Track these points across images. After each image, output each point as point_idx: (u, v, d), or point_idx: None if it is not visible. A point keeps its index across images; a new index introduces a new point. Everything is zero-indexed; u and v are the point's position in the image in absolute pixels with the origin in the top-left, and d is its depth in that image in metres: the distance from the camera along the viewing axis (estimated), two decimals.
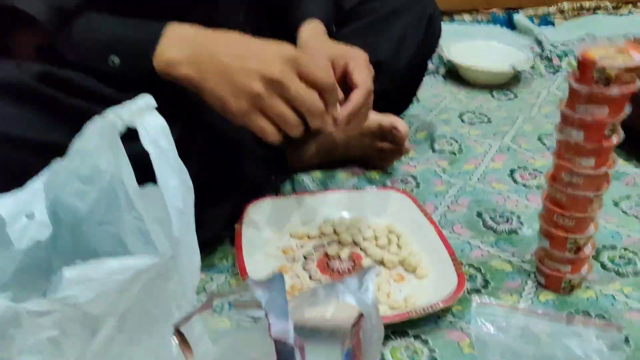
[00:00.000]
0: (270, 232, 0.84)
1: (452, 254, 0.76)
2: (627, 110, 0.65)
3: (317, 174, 0.98)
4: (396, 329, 0.69)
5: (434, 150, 1.07)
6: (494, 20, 1.67)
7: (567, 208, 0.71)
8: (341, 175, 0.99)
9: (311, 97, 0.62)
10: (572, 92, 0.66)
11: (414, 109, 1.21)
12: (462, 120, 1.18)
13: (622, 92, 0.62)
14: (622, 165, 1.00)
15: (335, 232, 0.84)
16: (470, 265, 0.80)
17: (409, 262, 0.78)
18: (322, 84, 0.63)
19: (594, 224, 0.73)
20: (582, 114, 0.65)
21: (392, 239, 0.82)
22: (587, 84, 0.64)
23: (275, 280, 0.49)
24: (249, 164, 0.82)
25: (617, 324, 0.64)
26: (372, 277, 0.49)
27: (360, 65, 0.77)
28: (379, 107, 0.98)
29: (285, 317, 0.49)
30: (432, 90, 1.31)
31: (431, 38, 1.02)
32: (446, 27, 1.65)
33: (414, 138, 1.11)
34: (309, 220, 0.86)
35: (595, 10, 1.76)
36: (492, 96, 1.29)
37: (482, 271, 0.79)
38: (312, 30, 0.86)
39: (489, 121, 1.18)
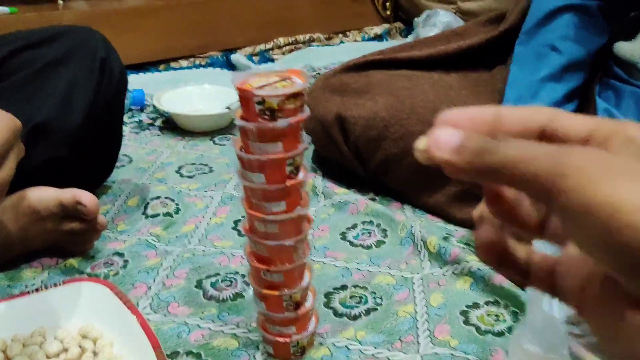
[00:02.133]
0: None
1: (156, 347, 0.61)
2: (304, 142, 0.57)
3: None
4: None
5: (147, 217, 0.92)
6: (213, 63, 1.60)
7: (272, 261, 0.61)
8: (25, 273, 0.78)
9: None
10: (242, 131, 0.56)
11: (124, 173, 1.05)
12: (181, 175, 1.05)
13: (292, 123, 0.54)
14: (343, 194, 0.96)
15: (6, 357, 0.64)
16: (190, 353, 0.66)
17: None
18: None
19: (307, 271, 0.64)
20: (257, 154, 0.56)
21: (85, 346, 0.65)
22: (253, 119, 0.54)
23: None
24: None
25: None
26: None
27: None
28: (64, 177, 0.81)
29: None
30: (147, 147, 1.17)
31: (109, 86, 0.87)
32: (162, 76, 1.55)
33: (124, 207, 0.95)
34: None
35: (310, 42, 1.80)
36: (214, 143, 1.19)
37: (203, 356, 0.65)
38: None
39: (211, 170, 1.07)
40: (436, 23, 1.67)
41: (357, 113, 0.94)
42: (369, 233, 0.88)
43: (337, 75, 1.01)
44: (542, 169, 0.20)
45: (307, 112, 0.56)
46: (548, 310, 0.45)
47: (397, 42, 1.90)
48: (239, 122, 0.55)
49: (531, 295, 0.47)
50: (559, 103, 0.83)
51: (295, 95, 0.54)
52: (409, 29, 1.99)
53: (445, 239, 0.84)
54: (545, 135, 0.24)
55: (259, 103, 0.53)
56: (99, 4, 1.59)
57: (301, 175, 0.58)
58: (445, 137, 0.22)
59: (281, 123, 0.54)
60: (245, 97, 0.54)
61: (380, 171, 0.95)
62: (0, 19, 1.43)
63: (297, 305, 0.63)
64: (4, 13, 1.45)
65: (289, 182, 0.57)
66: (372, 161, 0.94)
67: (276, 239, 0.59)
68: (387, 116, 0.92)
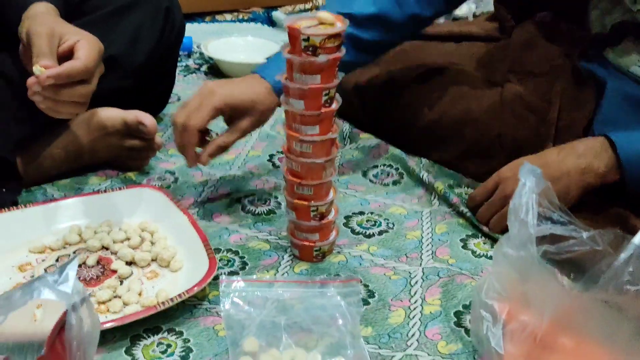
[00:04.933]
0: (3, 250, 0.74)
1: (204, 240, 0.74)
2: (338, 77, 0.69)
3: (65, 182, 0.90)
4: (149, 327, 0.66)
5: None
6: (255, 18, 1.71)
7: (304, 177, 0.73)
8: (92, 179, 0.92)
9: None
10: (288, 64, 0.68)
11: (174, 108, 1.17)
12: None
13: (329, 59, 0.66)
14: (367, 139, 1.08)
15: (82, 239, 0.78)
16: (229, 250, 0.79)
17: (162, 257, 0.74)
18: None
19: (332, 190, 0.76)
20: (299, 84, 0.68)
21: (144, 236, 0.78)
22: (298, 54, 0.66)
23: None
24: None
25: (354, 277, 0.68)
26: (73, 265, 0.44)
27: (86, 45, 0.74)
28: (127, 105, 0.94)
29: None
30: (194, 87, 1.28)
31: (171, 32, 1.00)
32: (208, 27, 1.67)
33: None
34: (52, 232, 0.78)
35: None
36: None
37: (240, 254, 0.79)
38: (40, 10, 0.78)
39: None
40: None
41: (373, 83, 1.05)
42: (388, 174, 1.00)
43: None
44: None
45: (343, 51, 0.67)
46: (524, 217, 0.57)
47: None
48: (286, 55, 0.67)
49: (512, 208, 0.58)
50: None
51: (335, 36, 0.65)
52: None
53: (450, 186, 0.94)
54: None
55: (304, 40, 0.65)
56: None
57: (334, 105, 0.70)
58: None
59: (321, 58, 0.66)
60: (293, 34, 0.65)
61: (395, 133, 1.06)
62: None
63: (322, 216, 0.75)
64: None
65: (323, 110, 0.69)
66: (387, 124, 1.06)
67: (309, 157, 0.71)
68: (399, 84, 1.02)
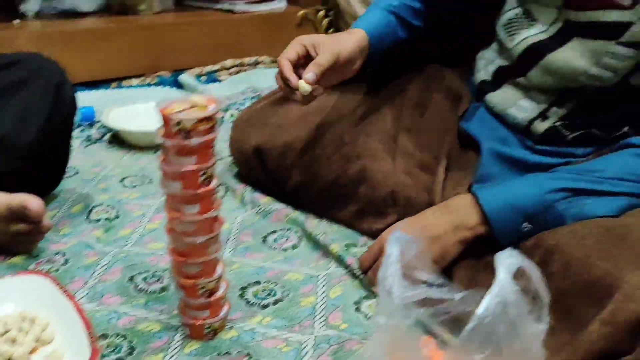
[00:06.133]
0: None
1: (88, 328, 0.72)
2: (214, 157, 0.70)
3: None
4: None
5: (89, 221, 1.03)
6: (162, 82, 1.72)
7: (189, 255, 0.73)
8: None
9: None
10: (163, 147, 0.69)
11: (70, 183, 1.15)
12: (124, 185, 1.16)
13: (203, 141, 0.67)
14: (269, 203, 1.09)
15: None
16: (117, 335, 0.77)
17: (43, 340, 0.71)
18: None
19: (220, 265, 0.76)
20: (175, 166, 0.68)
21: (24, 327, 0.75)
22: (172, 137, 0.67)
23: None
24: None
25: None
26: None
27: None
28: (17, 185, 0.91)
29: None
30: (93, 159, 1.27)
31: (62, 110, 0.99)
32: (113, 93, 1.66)
33: (68, 213, 1.05)
34: None
35: (255, 65, 1.93)
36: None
37: (129, 338, 0.77)
38: None
39: (151, 181, 1.18)
40: None
41: (272, 145, 1.07)
42: (287, 238, 1.01)
43: (260, 109, 1.13)
44: None
45: (217, 132, 0.69)
46: (389, 288, 0.59)
47: None
48: (159, 139, 0.67)
49: (379, 279, 0.60)
50: None
51: (207, 119, 0.67)
52: None
53: (347, 247, 0.97)
54: None
55: (176, 124, 0.66)
56: (53, 25, 1.69)
57: (213, 183, 0.71)
58: None
59: (194, 141, 0.67)
60: (165, 119, 0.66)
61: (294, 194, 1.08)
62: None
63: (211, 293, 0.75)
64: None
65: (201, 189, 0.70)
66: (287, 185, 1.08)
67: (193, 235, 0.71)
68: (296, 145, 1.05)
